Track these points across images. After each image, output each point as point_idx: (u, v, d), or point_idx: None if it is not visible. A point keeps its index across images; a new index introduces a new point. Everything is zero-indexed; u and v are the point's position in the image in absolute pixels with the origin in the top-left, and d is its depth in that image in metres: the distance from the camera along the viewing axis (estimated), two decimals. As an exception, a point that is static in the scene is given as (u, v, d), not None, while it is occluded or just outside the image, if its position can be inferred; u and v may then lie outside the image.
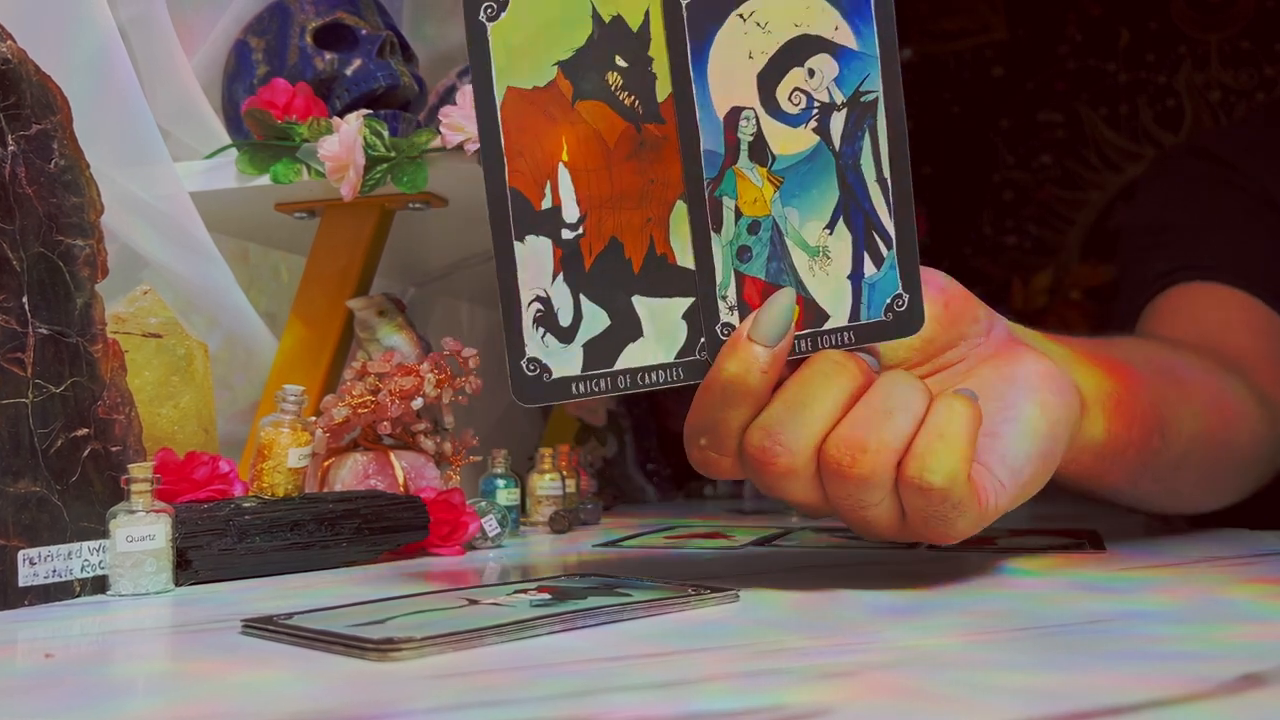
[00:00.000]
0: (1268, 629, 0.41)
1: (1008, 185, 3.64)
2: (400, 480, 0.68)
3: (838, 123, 0.45)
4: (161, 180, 0.78)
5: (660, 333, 0.45)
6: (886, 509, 0.44)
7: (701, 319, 0.45)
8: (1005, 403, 0.46)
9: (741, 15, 0.44)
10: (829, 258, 0.45)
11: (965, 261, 3.59)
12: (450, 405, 0.73)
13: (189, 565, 0.52)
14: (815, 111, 0.44)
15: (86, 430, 0.49)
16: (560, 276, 0.44)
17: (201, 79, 0.87)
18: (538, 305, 0.44)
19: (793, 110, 0.44)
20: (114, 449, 0.50)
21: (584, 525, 0.86)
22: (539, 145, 0.44)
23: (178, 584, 0.50)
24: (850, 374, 0.43)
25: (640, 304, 0.45)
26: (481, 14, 0.44)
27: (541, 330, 0.44)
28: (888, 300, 0.45)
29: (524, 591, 0.44)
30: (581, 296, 0.45)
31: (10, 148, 0.47)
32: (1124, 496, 0.59)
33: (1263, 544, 0.64)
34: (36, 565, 0.46)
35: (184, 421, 0.68)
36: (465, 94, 0.78)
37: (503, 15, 0.44)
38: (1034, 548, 0.62)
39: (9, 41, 0.48)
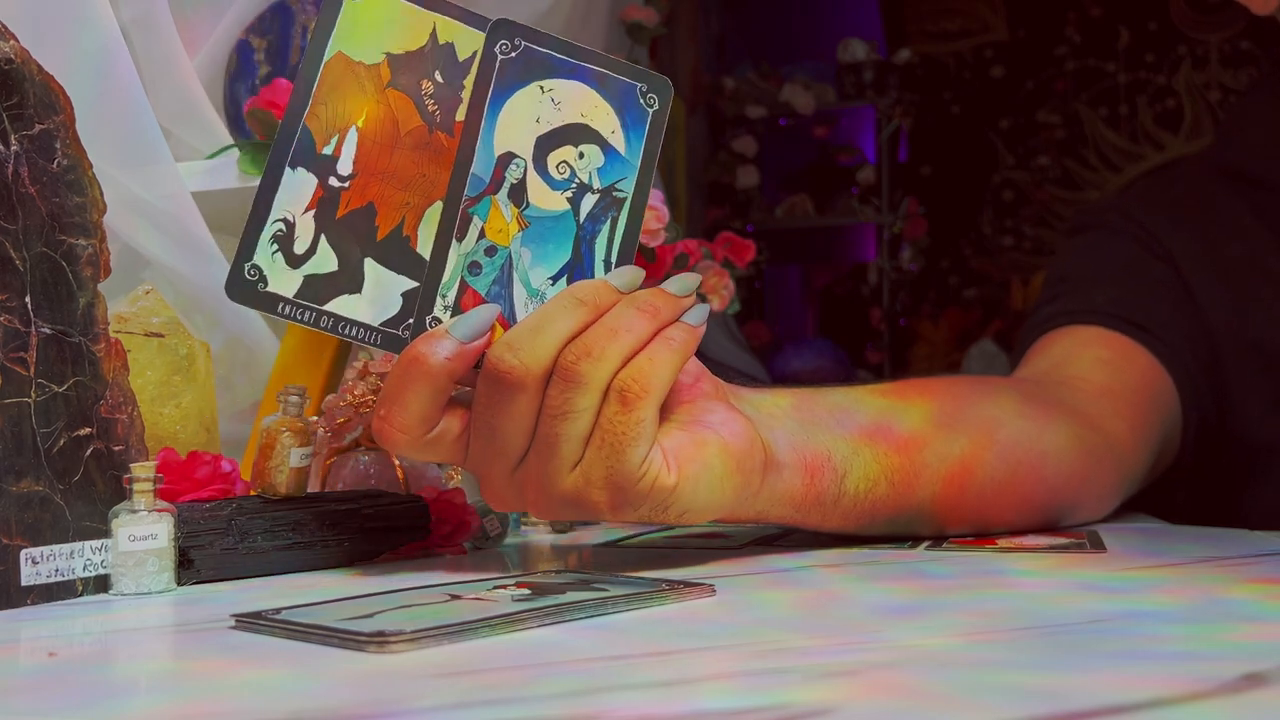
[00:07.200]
0: (1268, 629, 0.41)
1: (1008, 185, 3.65)
2: (402, 480, 0.68)
3: (588, 202, 0.52)
4: (164, 180, 0.78)
5: (376, 298, 0.50)
6: (583, 424, 0.48)
7: (418, 304, 0.50)
8: (692, 436, 0.51)
9: (542, 87, 0.52)
10: (544, 302, 0.51)
11: (965, 262, 3.59)
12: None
13: (191, 565, 0.52)
14: (574, 185, 0.52)
15: (89, 429, 0.49)
16: (312, 213, 0.50)
17: (203, 79, 0.88)
18: (281, 225, 0.49)
19: (556, 177, 0.52)
20: (116, 448, 0.50)
21: (585, 525, 0.86)
22: (343, 103, 0.51)
23: (180, 583, 0.50)
24: (589, 307, 0.49)
25: (371, 266, 0.50)
26: None
27: (275, 247, 0.49)
28: None
29: (503, 587, 0.45)
30: (323, 237, 0.50)
31: (13, 147, 0.47)
32: (878, 531, 0.62)
33: (1263, 544, 0.64)
34: (39, 564, 0.46)
35: (186, 421, 0.68)
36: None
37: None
38: (1034, 547, 0.62)
39: (12, 41, 0.48)
